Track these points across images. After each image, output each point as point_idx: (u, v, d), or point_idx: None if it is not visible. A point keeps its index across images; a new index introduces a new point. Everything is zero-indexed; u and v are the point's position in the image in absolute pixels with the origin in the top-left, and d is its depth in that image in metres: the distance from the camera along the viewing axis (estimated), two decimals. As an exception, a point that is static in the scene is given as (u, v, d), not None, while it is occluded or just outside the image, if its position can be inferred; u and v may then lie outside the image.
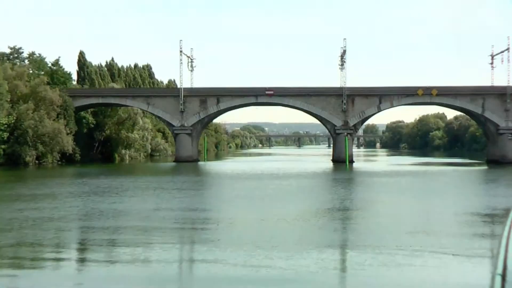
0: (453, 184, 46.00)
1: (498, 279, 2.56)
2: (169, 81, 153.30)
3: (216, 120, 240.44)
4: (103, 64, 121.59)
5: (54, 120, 78.00)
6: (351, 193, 36.78)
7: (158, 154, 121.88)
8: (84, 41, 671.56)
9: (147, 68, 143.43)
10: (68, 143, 77.81)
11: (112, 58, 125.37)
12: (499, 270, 2.58)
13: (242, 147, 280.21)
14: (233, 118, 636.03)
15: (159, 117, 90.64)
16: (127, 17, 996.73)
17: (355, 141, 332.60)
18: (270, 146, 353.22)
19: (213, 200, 33.22)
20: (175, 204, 30.33)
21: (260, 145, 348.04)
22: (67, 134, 78.76)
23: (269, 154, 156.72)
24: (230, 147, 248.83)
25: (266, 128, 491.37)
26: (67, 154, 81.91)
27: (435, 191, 39.38)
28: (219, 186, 44.45)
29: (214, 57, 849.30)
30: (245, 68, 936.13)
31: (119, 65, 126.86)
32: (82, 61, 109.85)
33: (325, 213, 26.73)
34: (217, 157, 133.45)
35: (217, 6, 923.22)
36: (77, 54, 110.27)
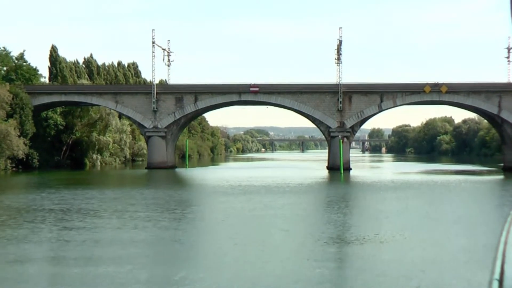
0: (472, 205, 34.81)
1: (495, 284, 2.56)
2: (160, 81, 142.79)
3: (217, 124, 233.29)
4: (81, 60, 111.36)
5: (4, 120, 67.66)
6: (341, 225, 25.13)
7: (140, 159, 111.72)
8: (72, 40, 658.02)
9: (133, 66, 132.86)
10: (19, 147, 67.25)
11: (91, 55, 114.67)
12: (496, 275, 2.54)
13: (243, 151, 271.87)
14: (237, 122, 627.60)
15: (129, 117, 79.91)
16: (115, 16, 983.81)
17: (360, 145, 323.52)
18: (273, 150, 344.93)
19: (163, 234, 22.18)
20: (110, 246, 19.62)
21: (263, 149, 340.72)
22: (19, 136, 68.24)
23: (268, 159, 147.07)
24: (230, 151, 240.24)
25: (272, 133, 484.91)
26: (24, 159, 71.88)
27: (450, 219, 27.50)
28: (177, 206, 31.81)
29: (197, 56, 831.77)
30: (231, 67, 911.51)
31: (100, 62, 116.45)
32: (54, 56, 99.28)
33: (305, 271, 16.09)
34: (205, 162, 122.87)
35: (202, 7, 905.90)
36: (49, 48, 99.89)
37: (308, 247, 19.56)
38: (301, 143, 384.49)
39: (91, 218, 26.22)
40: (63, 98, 77.13)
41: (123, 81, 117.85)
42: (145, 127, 75.65)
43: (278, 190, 43.39)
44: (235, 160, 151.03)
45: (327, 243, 20.29)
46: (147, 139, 76.76)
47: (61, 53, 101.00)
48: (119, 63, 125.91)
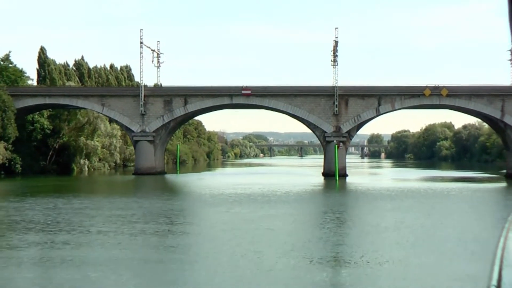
0: (474, 218, 31.40)
1: None
2: (155, 85, 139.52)
3: (215, 128, 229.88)
4: (72, 63, 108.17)
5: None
6: (325, 244, 21.34)
7: (132, 164, 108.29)
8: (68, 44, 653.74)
9: (126, 69, 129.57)
10: (-2, 151, 64.20)
11: (82, 57, 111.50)
12: (494, 281, 2.53)
13: (241, 156, 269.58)
14: (236, 127, 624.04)
15: (116, 121, 76.72)
16: (109, 19, 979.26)
17: (359, 151, 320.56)
18: (271, 155, 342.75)
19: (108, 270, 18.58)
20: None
21: (261, 154, 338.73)
22: (-1, 140, 65.27)
23: (265, 165, 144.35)
24: (228, 156, 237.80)
25: (271, 138, 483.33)
26: (6, 164, 68.86)
27: (450, 236, 23.99)
28: (143, 219, 28.38)
29: (189, 59, 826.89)
30: (224, 70, 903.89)
31: (92, 65, 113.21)
32: (42, 58, 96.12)
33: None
34: (200, 168, 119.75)
35: (195, 10, 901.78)
36: (38, 50, 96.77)
37: (285, 273, 16.39)
38: (299, 149, 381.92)
39: (34, 234, 22.76)
40: (48, 100, 73.95)
41: (115, 84, 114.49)
42: (133, 131, 72.56)
43: (263, 199, 39.92)
44: (232, 165, 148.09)
45: (308, 271, 17.08)
46: (135, 143, 73.67)
47: (52, 55, 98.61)
48: (111, 66, 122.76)
